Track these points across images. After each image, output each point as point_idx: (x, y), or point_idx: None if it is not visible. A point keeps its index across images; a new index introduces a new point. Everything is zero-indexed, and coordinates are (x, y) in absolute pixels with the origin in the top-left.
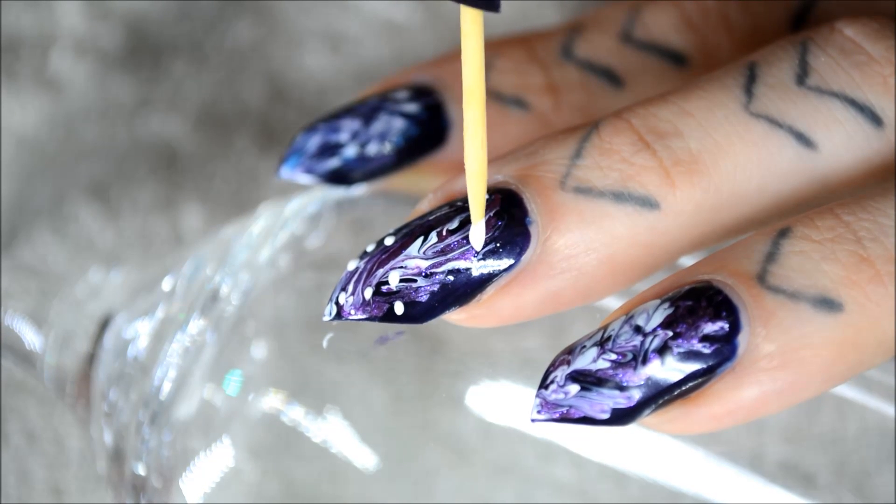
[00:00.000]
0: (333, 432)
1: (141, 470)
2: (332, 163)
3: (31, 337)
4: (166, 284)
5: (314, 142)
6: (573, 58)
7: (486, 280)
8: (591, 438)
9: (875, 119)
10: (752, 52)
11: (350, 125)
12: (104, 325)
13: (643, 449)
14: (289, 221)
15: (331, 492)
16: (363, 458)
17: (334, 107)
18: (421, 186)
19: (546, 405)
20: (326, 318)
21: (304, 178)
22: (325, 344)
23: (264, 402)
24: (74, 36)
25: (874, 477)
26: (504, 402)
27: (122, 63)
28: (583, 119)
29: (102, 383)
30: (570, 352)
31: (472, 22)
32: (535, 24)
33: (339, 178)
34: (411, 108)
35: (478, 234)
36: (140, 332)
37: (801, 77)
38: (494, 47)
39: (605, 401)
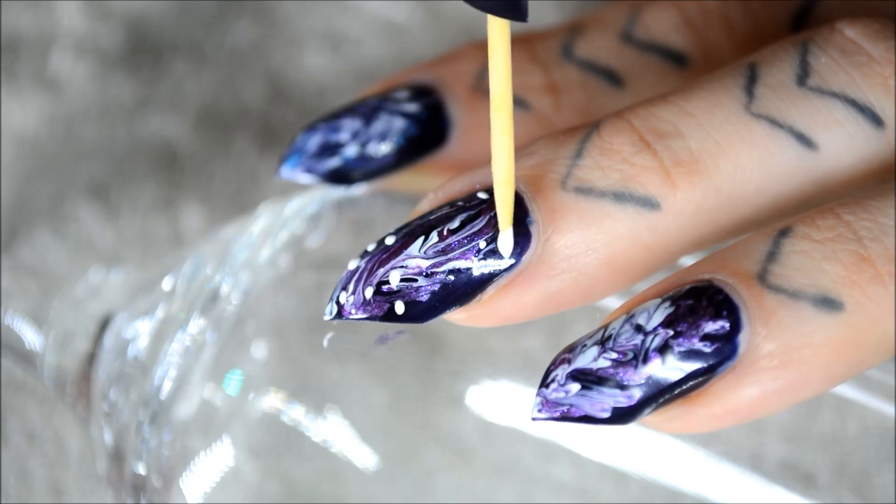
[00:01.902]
0: (333, 432)
1: (141, 470)
2: (333, 162)
3: (31, 337)
4: (166, 284)
5: (314, 141)
6: (573, 58)
7: (487, 280)
8: (591, 438)
9: (875, 119)
10: (753, 53)
11: (350, 125)
12: (104, 325)
13: (643, 449)
14: (289, 221)
15: (331, 492)
16: (363, 458)
17: (334, 106)
18: (421, 186)
19: (547, 404)
20: (327, 318)
21: (304, 178)
22: (325, 343)
23: (264, 402)
24: (74, 36)
25: (874, 477)
26: (504, 402)
27: (122, 63)
28: (583, 119)
29: (102, 383)
30: (571, 351)
31: (499, 32)
32: (535, 24)
33: (339, 177)
34: (412, 107)
35: (506, 242)
36: (140, 332)
37: (802, 77)
38: None
39: (605, 400)
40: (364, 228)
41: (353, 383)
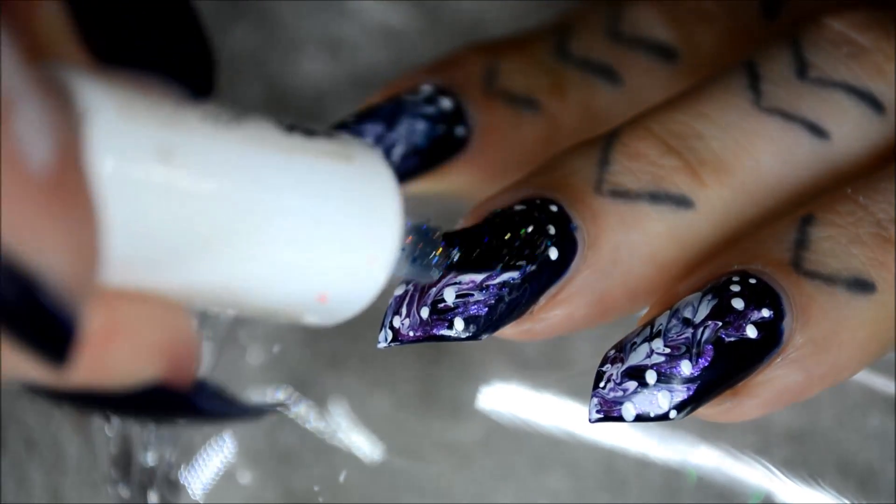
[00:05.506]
0: (333, 435)
1: (143, 470)
2: None
3: None
4: None
5: None
6: (570, 57)
7: (542, 288)
8: (591, 440)
9: (876, 105)
10: (744, 54)
11: (373, 129)
12: None
13: (642, 451)
14: None
15: (330, 495)
16: (363, 460)
17: (343, 115)
18: (442, 190)
19: (605, 404)
20: (382, 345)
21: None
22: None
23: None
24: None
25: (878, 475)
26: (505, 406)
27: None
28: (589, 117)
29: None
30: (621, 349)
31: None
32: (530, 25)
33: None
34: (432, 110)
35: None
36: None
37: (802, 71)
38: (493, 51)
39: (663, 394)
40: None
41: (353, 386)
